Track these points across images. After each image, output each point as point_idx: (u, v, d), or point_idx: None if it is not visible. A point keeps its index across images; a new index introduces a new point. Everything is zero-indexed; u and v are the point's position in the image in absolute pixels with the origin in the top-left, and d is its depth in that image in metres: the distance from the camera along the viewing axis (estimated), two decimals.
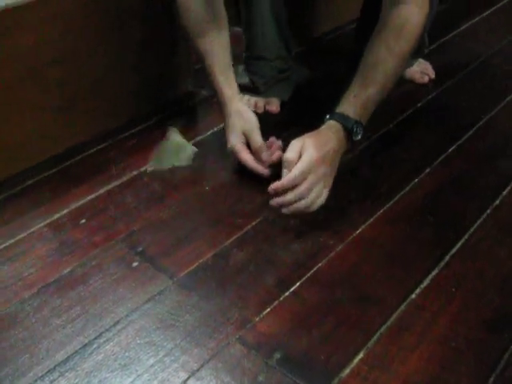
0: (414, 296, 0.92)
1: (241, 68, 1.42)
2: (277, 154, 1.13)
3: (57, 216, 1.09)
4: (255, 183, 1.15)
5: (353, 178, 1.17)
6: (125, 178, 1.19)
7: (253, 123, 1.17)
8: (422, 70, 1.52)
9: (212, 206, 1.12)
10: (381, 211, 1.09)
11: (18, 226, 1.07)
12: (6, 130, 1.15)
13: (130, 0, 1.27)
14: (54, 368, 0.82)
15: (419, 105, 1.43)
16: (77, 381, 0.80)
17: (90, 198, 1.14)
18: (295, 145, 1.01)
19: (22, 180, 1.18)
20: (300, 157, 1.00)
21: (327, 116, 1.07)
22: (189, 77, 1.46)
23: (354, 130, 1.05)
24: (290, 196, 1.00)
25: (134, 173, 1.20)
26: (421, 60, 1.54)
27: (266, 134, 1.19)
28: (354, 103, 1.06)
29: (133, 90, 1.34)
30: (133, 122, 1.35)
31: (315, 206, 1.02)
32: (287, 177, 0.99)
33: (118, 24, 1.27)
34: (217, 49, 1.18)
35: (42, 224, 1.08)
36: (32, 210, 1.11)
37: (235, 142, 1.16)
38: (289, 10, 1.36)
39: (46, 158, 1.23)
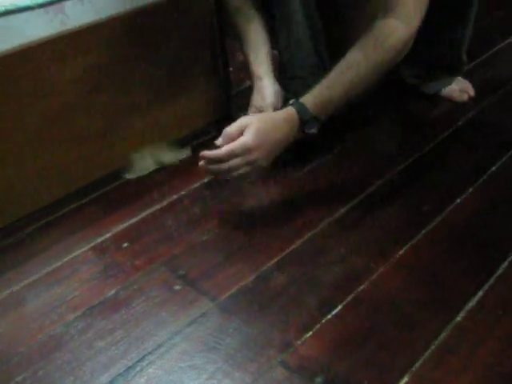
0: (458, 319, 0.90)
1: None
2: None
3: (100, 239, 1.11)
4: (295, 206, 1.16)
5: (394, 199, 1.16)
6: (166, 202, 1.20)
7: (267, 101, 1.25)
8: (461, 88, 1.51)
9: (252, 228, 1.12)
10: (423, 232, 1.07)
11: (63, 250, 1.09)
12: (51, 155, 1.18)
13: (171, 26, 1.29)
14: None
15: (459, 123, 1.41)
16: None
17: (132, 221, 1.16)
18: (241, 121, 1.06)
19: (66, 204, 1.21)
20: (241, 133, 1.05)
21: (291, 101, 1.12)
22: (228, 101, 1.48)
23: (309, 123, 1.10)
24: (212, 167, 1.06)
25: (175, 196, 1.21)
26: (460, 78, 1.53)
27: (307, 156, 1.26)
28: (319, 98, 1.10)
29: (174, 114, 1.36)
30: (173, 147, 1.37)
31: (238, 179, 1.08)
32: (214, 152, 1.04)
33: (159, 50, 1.29)
34: (251, 29, 1.28)
35: (86, 248, 1.10)
36: (76, 234, 1.13)
37: (250, 113, 1.25)
38: (327, 32, 1.36)
39: (90, 182, 1.26)
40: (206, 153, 1.05)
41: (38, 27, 1.09)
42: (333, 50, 1.30)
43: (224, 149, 1.04)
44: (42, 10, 1.09)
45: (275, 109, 1.24)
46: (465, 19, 1.41)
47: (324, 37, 1.36)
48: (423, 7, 1.12)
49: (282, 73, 1.41)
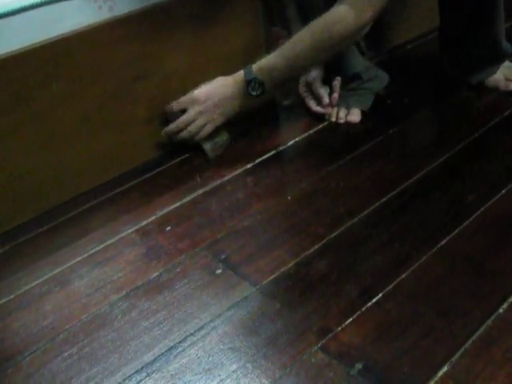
0: (501, 310, 0.89)
1: None
2: (334, 98, 1.37)
3: (144, 223, 1.13)
4: (337, 194, 1.16)
5: (438, 188, 1.15)
6: (209, 187, 1.22)
7: (312, 74, 1.38)
8: (506, 77, 1.47)
9: (294, 215, 1.12)
10: (467, 222, 1.06)
11: (108, 232, 1.12)
12: (96, 141, 1.21)
13: (216, 13, 1.31)
14: (142, 369, 0.85)
15: (505, 113, 1.38)
16: (162, 382, 0.83)
17: (175, 205, 1.17)
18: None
19: (111, 188, 1.24)
20: None
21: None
22: None
23: (252, 84, 1.21)
24: (171, 126, 1.24)
25: (218, 182, 1.23)
26: (505, 64, 1.49)
27: (348, 146, 1.27)
28: (264, 64, 1.21)
29: None
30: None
31: (199, 137, 1.26)
32: (166, 107, 1.25)
33: (203, 37, 1.31)
34: (298, 18, 1.38)
35: (130, 230, 1.12)
36: (121, 217, 1.16)
37: (301, 90, 1.42)
38: None
39: (134, 167, 1.28)
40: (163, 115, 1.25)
41: (88, 14, 1.12)
42: (377, 40, 1.32)
43: (173, 102, 1.23)
44: None
45: (322, 79, 1.39)
46: (494, 8, 1.39)
47: None
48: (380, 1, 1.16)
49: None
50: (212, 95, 1.23)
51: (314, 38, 1.18)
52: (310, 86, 1.40)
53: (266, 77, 1.21)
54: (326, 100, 1.37)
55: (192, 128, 1.24)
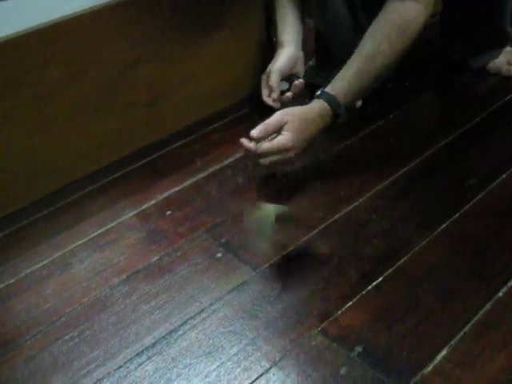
0: (501, 294, 0.89)
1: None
2: (286, 96, 1.29)
3: (144, 206, 1.14)
4: (337, 178, 1.16)
5: (438, 172, 1.15)
6: (209, 171, 1.22)
7: (275, 67, 1.31)
8: (509, 61, 1.46)
9: (294, 198, 1.12)
10: (468, 205, 1.06)
11: (108, 216, 1.12)
12: (96, 125, 1.21)
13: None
14: (142, 352, 0.85)
15: (507, 98, 1.38)
16: (163, 365, 0.83)
17: (175, 189, 1.17)
18: (279, 118, 1.07)
19: (112, 171, 1.24)
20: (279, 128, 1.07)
21: (319, 92, 1.12)
22: None
23: (342, 115, 1.11)
24: (255, 158, 1.08)
25: (218, 166, 1.23)
26: (507, 49, 1.47)
27: (348, 130, 1.27)
28: (348, 90, 1.11)
29: (218, 84, 1.37)
30: (217, 117, 1.38)
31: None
32: (254, 147, 1.06)
33: (206, 21, 1.30)
34: (283, 7, 1.36)
35: (131, 214, 1.12)
36: (121, 201, 1.16)
37: (262, 77, 1.34)
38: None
39: (135, 151, 1.28)
40: (246, 144, 1.08)
41: None
42: (368, 9, 1.30)
43: (264, 147, 1.06)
44: None
45: (283, 75, 1.32)
46: None
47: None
48: None
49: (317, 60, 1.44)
50: (300, 141, 1.08)
51: (394, 46, 1.11)
52: (268, 75, 1.33)
53: (350, 101, 1.14)
54: (274, 95, 1.29)
55: (272, 165, 1.12)
